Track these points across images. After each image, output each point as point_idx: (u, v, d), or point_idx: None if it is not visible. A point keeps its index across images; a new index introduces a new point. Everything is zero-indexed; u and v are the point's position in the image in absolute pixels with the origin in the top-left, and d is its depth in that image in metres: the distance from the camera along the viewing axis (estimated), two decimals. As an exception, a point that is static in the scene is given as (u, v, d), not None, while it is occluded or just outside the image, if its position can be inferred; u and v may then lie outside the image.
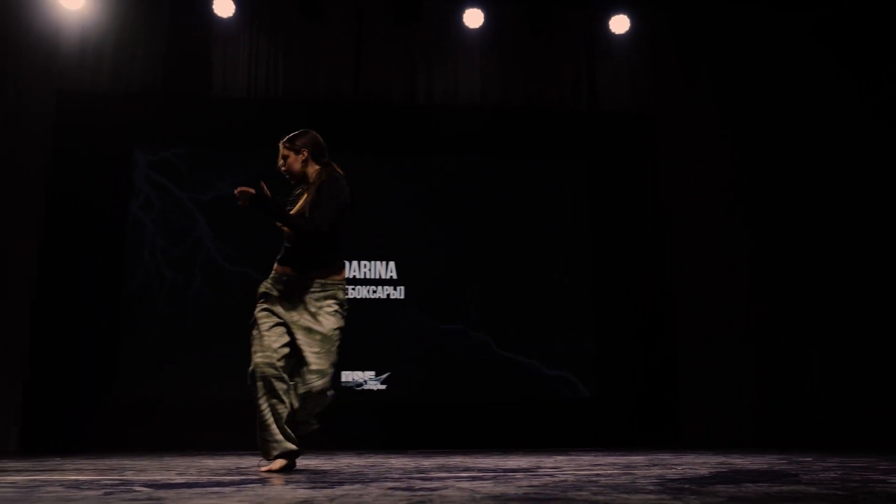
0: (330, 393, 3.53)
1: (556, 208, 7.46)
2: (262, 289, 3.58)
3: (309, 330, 3.45)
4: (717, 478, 2.96)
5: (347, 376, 6.84)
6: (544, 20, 7.47)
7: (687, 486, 2.58)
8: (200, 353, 6.75)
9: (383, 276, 7.10)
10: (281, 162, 3.66)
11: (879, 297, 7.02)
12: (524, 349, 7.17)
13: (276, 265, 3.59)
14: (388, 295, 7.09)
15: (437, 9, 7.41)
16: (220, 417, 6.59)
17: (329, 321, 3.47)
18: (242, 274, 6.95)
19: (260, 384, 3.44)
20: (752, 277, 7.35)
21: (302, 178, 3.66)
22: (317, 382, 3.44)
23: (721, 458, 4.50)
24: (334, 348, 3.50)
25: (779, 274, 7.34)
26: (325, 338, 3.45)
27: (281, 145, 3.68)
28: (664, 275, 7.37)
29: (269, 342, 3.44)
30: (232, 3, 7.03)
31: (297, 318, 3.46)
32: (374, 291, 7.04)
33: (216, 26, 7.19)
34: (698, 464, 3.95)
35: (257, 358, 3.43)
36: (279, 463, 3.47)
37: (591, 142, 7.61)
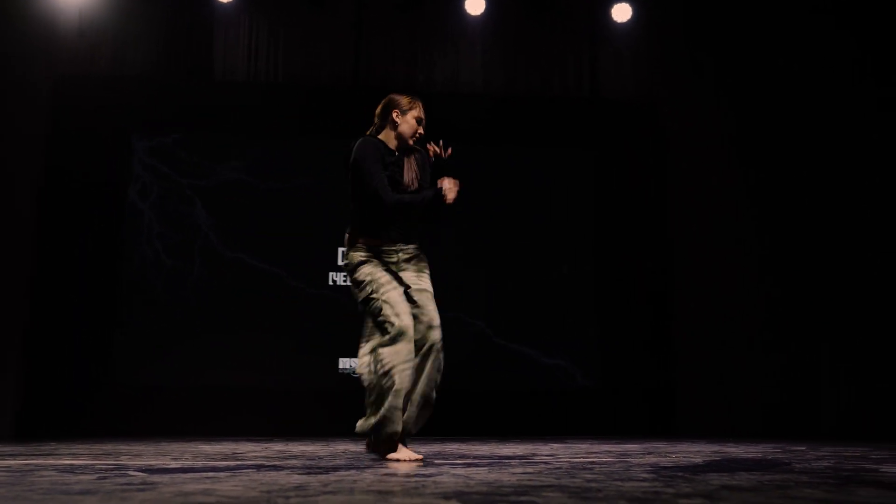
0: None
1: (557, 196, 7.43)
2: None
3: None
4: (710, 466, 2.96)
5: (345, 363, 6.84)
6: (546, 7, 7.44)
7: (680, 473, 2.59)
8: (198, 339, 6.77)
9: (382, 264, 7.08)
10: (419, 126, 3.59)
11: (880, 289, 7.04)
12: (522, 338, 7.17)
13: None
14: (387, 282, 7.08)
15: (439, -5, 7.39)
16: (218, 403, 6.62)
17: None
18: (239, 260, 6.96)
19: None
20: (753, 269, 7.34)
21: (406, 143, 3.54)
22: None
23: (716, 447, 4.51)
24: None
25: (780, 266, 7.33)
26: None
27: (420, 107, 3.64)
28: (666, 265, 7.36)
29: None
30: (232, -13, 7.01)
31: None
32: (373, 279, 7.03)
33: (217, 10, 7.16)
34: (693, 452, 3.96)
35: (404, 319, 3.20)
36: (406, 454, 3.18)
37: (593, 130, 7.57)
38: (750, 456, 3.69)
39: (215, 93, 7.21)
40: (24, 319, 6.60)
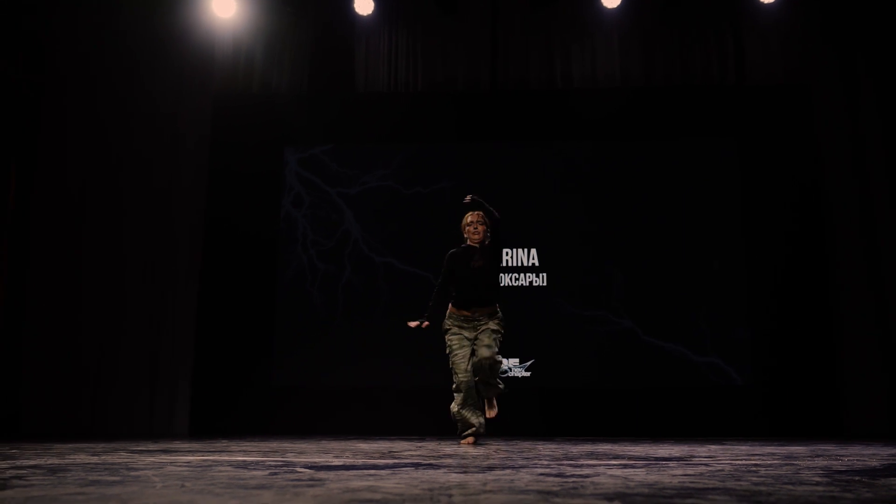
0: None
1: (703, 188, 7.16)
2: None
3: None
4: (890, 470, 2.77)
5: (493, 363, 6.87)
6: (685, -6, 7.20)
7: (857, 478, 2.43)
8: (351, 341, 7.01)
9: (525, 264, 7.09)
10: (473, 228, 4.79)
11: None
12: (671, 335, 6.96)
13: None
14: (531, 282, 7.07)
15: (573, -9, 7.32)
16: (371, 402, 6.84)
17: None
18: (387, 264, 7.15)
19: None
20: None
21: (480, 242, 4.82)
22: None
23: (893, 450, 4.20)
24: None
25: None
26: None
27: (478, 216, 4.79)
28: (822, 255, 6.93)
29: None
30: (371, 0, 7.23)
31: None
32: (517, 279, 7.05)
33: (357, 25, 7.43)
34: (867, 455, 3.70)
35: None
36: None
37: (739, 117, 7.24)
38: (933, 460, 3.41)
39: (358, 104, 7.47)
40: (194, 325, 7.07)
